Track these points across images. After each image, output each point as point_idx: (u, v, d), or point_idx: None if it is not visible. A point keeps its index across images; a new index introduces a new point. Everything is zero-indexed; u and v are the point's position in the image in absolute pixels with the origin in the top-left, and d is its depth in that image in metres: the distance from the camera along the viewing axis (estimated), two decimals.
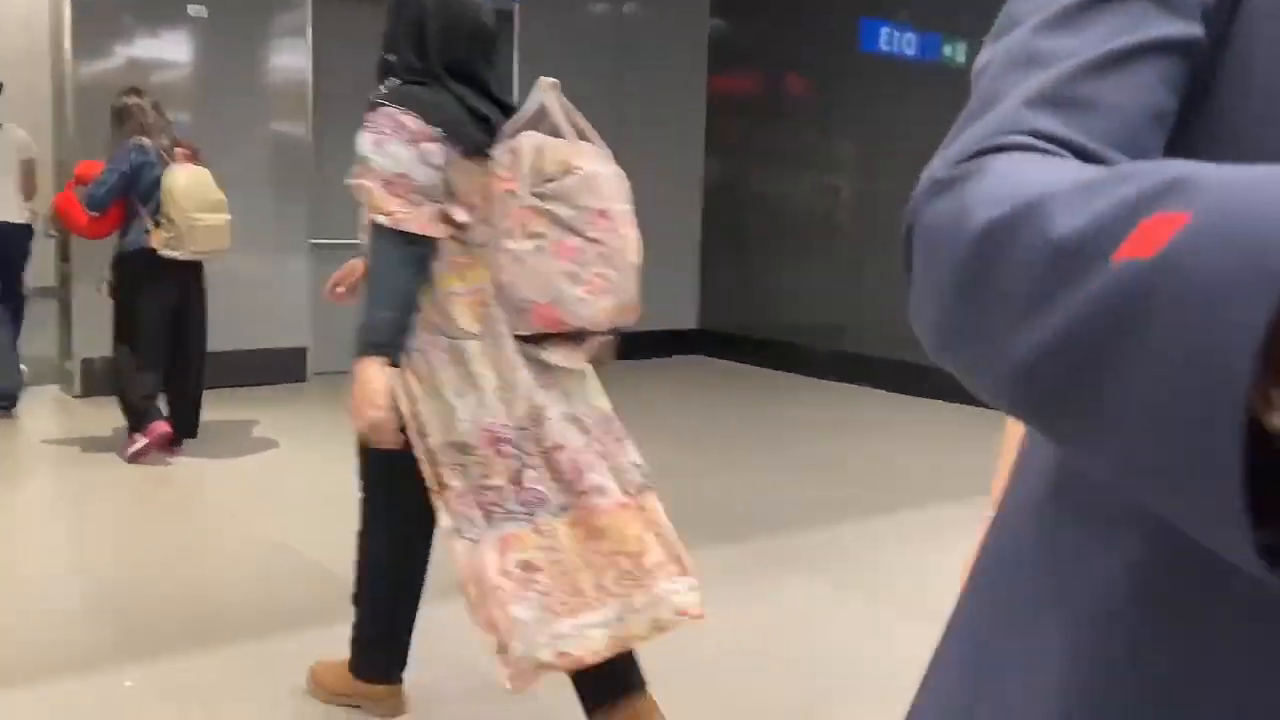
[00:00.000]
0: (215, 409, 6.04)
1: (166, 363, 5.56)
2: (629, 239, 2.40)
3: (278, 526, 4.61)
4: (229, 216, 5.39)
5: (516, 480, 2.43)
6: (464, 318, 2.48)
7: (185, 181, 5.20)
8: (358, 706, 2.94)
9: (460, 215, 2.45)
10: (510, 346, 2.45)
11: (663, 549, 2.50)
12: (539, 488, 2.44)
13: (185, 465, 5.55)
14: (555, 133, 2.43)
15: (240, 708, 3.06)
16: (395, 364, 2.43)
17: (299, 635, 3.43)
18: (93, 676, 3.22)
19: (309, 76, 7.37)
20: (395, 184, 2.39)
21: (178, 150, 5.38)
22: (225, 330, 6.25)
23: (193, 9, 7.00)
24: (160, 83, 6.75)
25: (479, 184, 2.45)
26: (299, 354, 7.56)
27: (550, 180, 2.34)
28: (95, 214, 5.29)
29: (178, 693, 3.13)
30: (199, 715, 3.03)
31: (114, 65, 6.76)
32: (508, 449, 2.43)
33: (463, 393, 2.45)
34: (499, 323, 2.45)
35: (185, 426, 5.68)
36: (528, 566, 2.40)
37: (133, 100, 5.44)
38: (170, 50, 6.96)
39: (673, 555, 2.51)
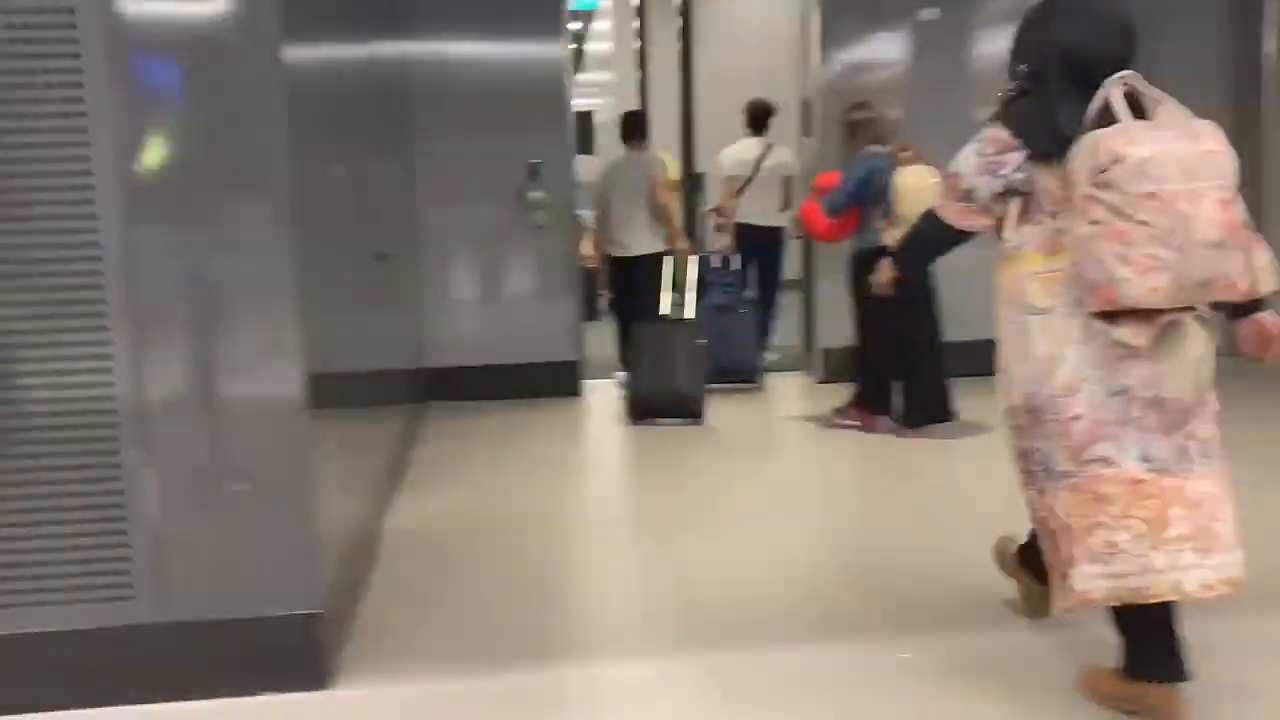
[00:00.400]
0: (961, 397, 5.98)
1: (905, 350, 5.83)
2: (1192, 217, 2.46)
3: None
4: None
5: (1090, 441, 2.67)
6: (1036, 294, 2.72)
7: (913, 181, 5.50)
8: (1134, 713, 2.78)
9: (1011, 215, 2.82)
10: (1079, 322, 2.66)
11: (1190, 524, 2.62)
12: (1050, 452, 2.74)
13: (926, 446, 5.74)
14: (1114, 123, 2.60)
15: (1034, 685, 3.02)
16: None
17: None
18: (861, 646, 3.34)
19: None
20: (949, 180, 2.95)
21: (904, 153, 5.68)
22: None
23: (925, 13, 7.23)
24: (882, 83, 7.13)
25: (1061, 181, 2.69)
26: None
27: (1104, 171, 2.51)
28: (833, 219, 5.80)
29: (961, 669, 3.14)
30: (993, 691, 3.00)
31: (853, 76, 7.23)
32: (1038, 415, 2.73)
33: (1023, 361, 2.76)
34: (1070, 299, 2.68)
35: (932, 411, 5.84)
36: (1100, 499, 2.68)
37: (863, 114, 5.96)
38: (895, 52, 7.27)
39: (1199, 529, 2.62)
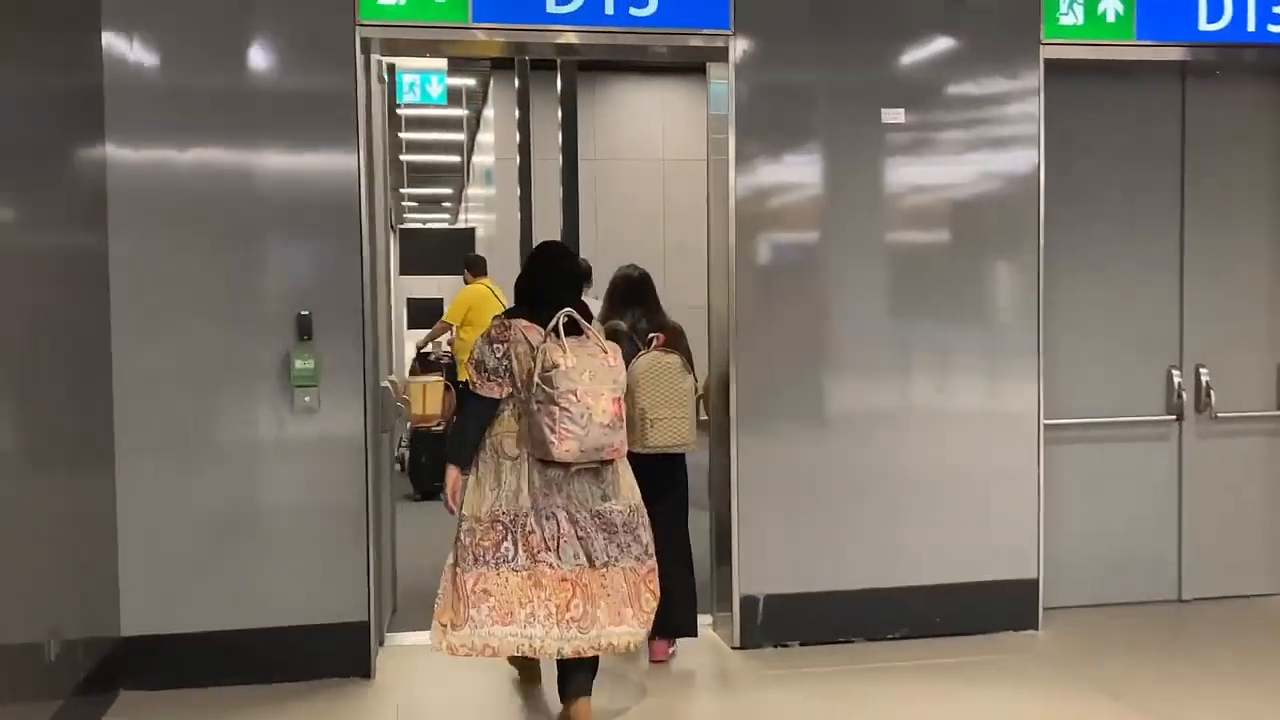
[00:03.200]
0: None
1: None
2: (593, 407, 3.68)
3: None
4: None
5: (496, 545, 3.79)
6: (509, 446, 3.85)
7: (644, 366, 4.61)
8: None
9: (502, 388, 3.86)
10: (527, 466, 3.82)
11: (606, 609, 3.80)
12: (509, 551, 3.79)
13: None
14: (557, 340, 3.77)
15: None
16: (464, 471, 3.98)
17: None
18: None
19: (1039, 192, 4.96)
20: (475, 368, 3.92)
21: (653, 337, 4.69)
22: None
23: (888, 114, 4.84)
24: (793, 207, 4.74)
25: (528, 368, 3.81)
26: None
27: (546, 370, 3.71)
28: None
29: None
30: None
31: (764, 200, 4.79)
32: (499, 526, 3.80)
33: (493, 488, 3.84)
34: (526, 450, 3.82)
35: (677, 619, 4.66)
36: (485, 592, 3.76)
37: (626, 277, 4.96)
38: (808, 176, 4.85)
39: (614, 613, 3.82)
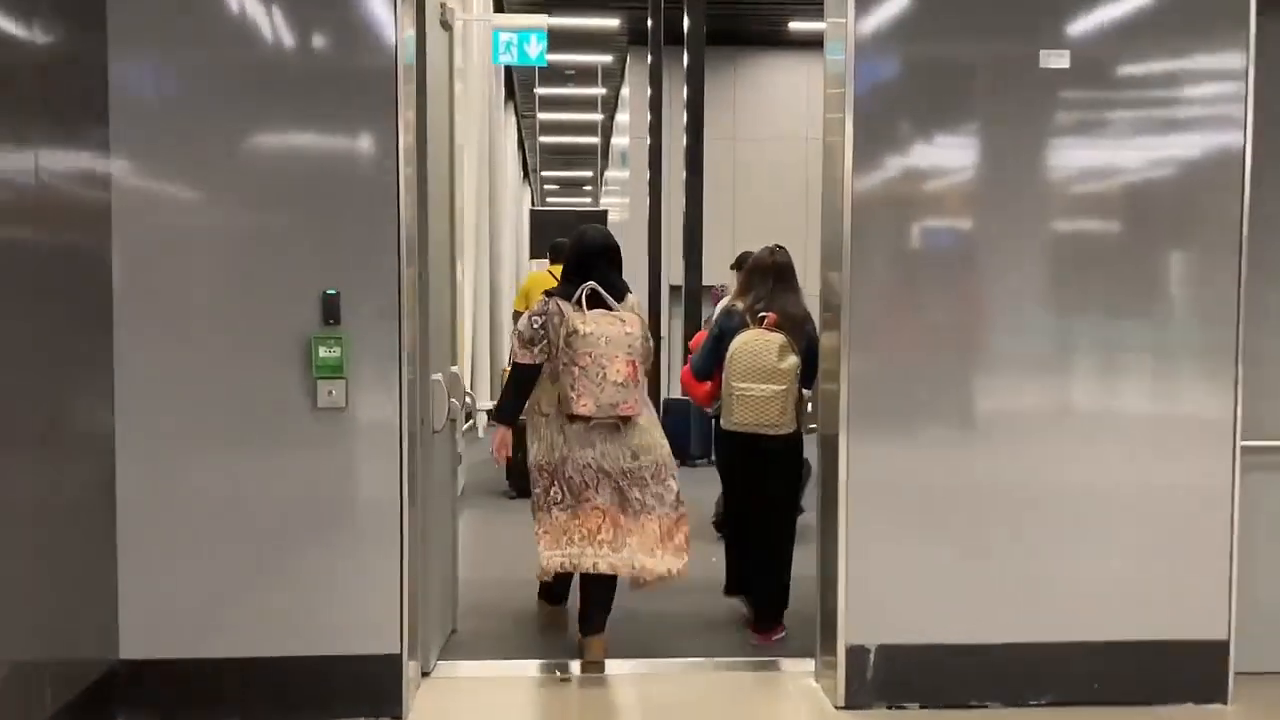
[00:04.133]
0: None
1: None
2: (607, 368, 4.21)
3: None
4: None
5: (546, 490, 4.33)
6: (545, 405, 4.36)
7: (744, 343, 4.74)
8: None
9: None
10: (560, 421, 4.31)
11: (638, 542, 4.32)
12: (557, 495, 4.32)
13: None
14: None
15: None
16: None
17: None
18: None
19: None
20: (515, 334, 4.52)
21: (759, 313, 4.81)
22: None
23: (1050, 57, 3.86)
24: (935, 195, 3.88)
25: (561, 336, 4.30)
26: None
27: (569, 335, 4.22)
28: (704, 382, 5.04)
29: None
30: None
31: (896, 187, 3.89)
32: (545, 474, 4.34)
33: (534, 442, 4.39)
34: (557, 407, 4.33)
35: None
36: (548, 532, 4.33)
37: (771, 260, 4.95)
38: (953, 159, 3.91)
39: (647, 549, 4.33)
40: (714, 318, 5.28)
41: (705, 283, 12.18)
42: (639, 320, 4.36)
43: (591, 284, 4.32)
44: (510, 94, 20.62)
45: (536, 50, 7.83)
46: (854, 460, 3.89)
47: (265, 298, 3.66)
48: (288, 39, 3.66)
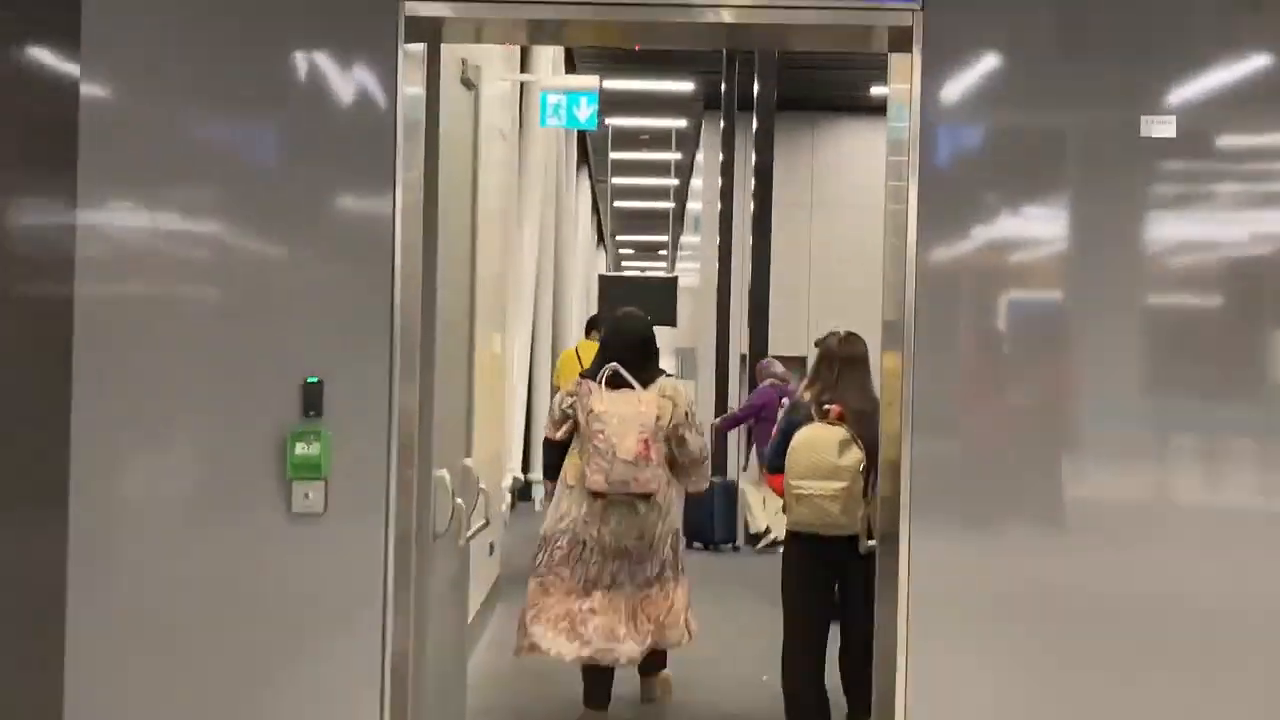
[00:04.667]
0: None
1: None
2: (618, 445, 4.51)
3: None
4: None
5: (550, 557, 4.73)
6: (570, 477, 4.73)
7: (806, 439, 4.53)
8: None
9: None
10: (580, 495, 4.68)
11: (625, 623, 4.67)
12: (560, 569, 4.71)
13: None
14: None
15: None
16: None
17: None
18: None
19: None
20: (549, 416, 5.11)
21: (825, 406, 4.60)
22: None
23: (1153, 124, 3.30)
24: (1020, 266, 3.37)
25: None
26: None
27: (588, 413, 4.56)
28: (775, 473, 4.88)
29: None
30: None
31: (972, 258, 3.34)
32: (558, 544, 4.73)
33: (554, 512, 4.82)
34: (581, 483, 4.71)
35: None
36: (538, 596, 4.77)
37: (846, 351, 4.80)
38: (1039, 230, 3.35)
39: (631, 631, 4.68)
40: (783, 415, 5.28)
41: (774, 353, 11.67)
42: (656, 401, 4.64)
43: (613, 365, 4.66)
44: (584, 157, 20.45)
45: (587, 113, 7.45)
46: (917, 558, 3.30)
47: (236, 384, 3.22)
48: (271, 92, 3.25)
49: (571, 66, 13.91)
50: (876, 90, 16.73)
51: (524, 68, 8.29)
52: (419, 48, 3.39)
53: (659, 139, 19.86)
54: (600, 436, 4.50)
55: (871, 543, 3.79)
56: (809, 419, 4.56)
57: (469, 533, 4.00)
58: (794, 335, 15.79)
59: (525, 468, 11.49)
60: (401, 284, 3.26)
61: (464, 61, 3.98)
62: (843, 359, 4.66)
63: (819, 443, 4.45)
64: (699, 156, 19.92)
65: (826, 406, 4.51)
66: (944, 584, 3.29)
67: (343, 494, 3.22)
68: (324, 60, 3.26)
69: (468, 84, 4.05)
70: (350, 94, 3.27)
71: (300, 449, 3.18)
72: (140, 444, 3.21)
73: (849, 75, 16.63)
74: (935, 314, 3.35)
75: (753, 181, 10.89)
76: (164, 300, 3.23)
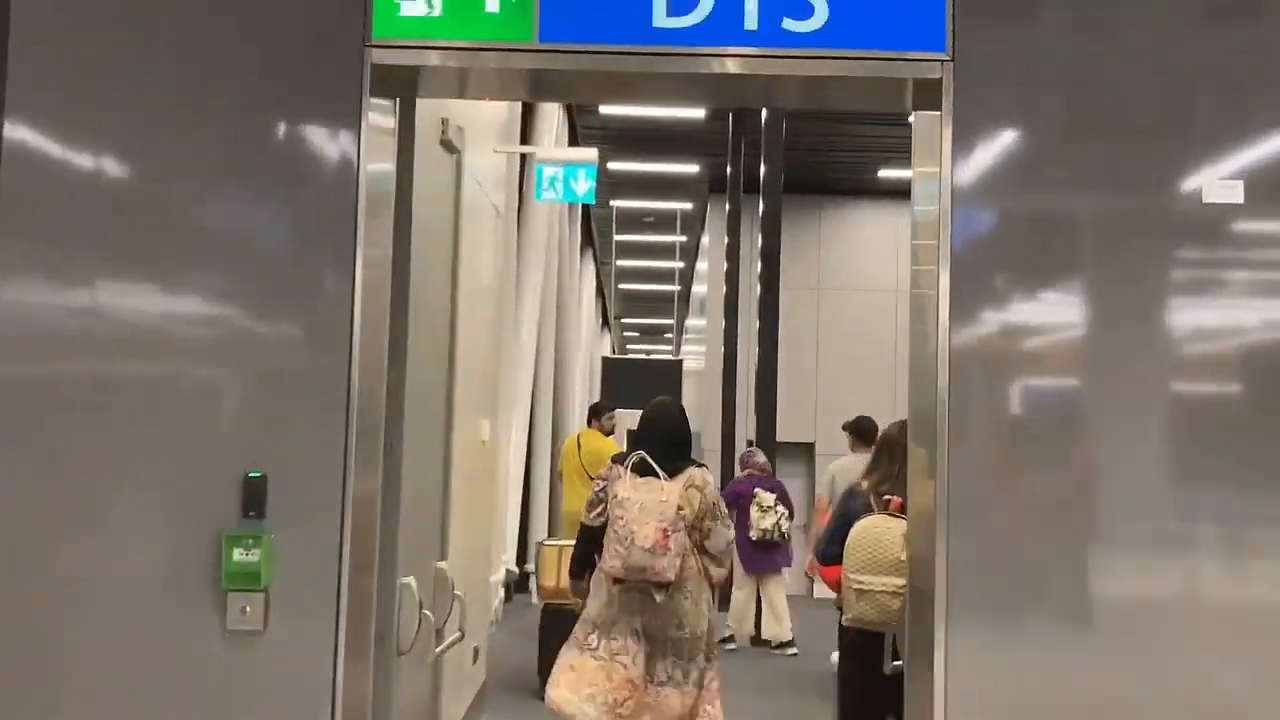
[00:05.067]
0: None
1: None
2: (636, 533, 4.46)
3: None
4: None
5: (586, 636, 4.61)
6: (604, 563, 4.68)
7: (865, 533, 4.23)
8: None
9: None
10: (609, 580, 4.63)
11: (654, 717, 4.54)
12: (594, 642, 4.58)
13: None
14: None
15: None
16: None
17: None
18: None
19: None
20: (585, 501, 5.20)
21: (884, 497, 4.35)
22: None
23: (1217, 191, 2.91)
24: (1040, 352, 2.93)
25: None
26: None
27: (612, 500, 4.60)
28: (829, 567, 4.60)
29: None
30: None
31: (997, 343, 2.94)
32: (593, 625, 4.62)
33: (592, 594, 4.72)
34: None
35: None
36: (570, 667, 4.58)
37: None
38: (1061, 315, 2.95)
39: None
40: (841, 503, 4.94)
41: (782, 439, 11.23)
42: (680, 492, 4.58)
43: (640, 453, 4.64)
44: (589, 239, 20.24)
45: (585, 187, 7.10)
46: (954, 660, 2.84)
47: (167, 478, 2.79)
48: (216, 152, 2.88)
49: (575, 142, 13.72)
50: (884, 174, 16.52)
51: (525, 144, 8.01)
52: (388, 103, 3.03)
53: (664, 221, 19.64)
54: (620, 522, 4.51)
55: (898, 663, 3.35)
56: (868, 509, 4.33)
57: (440, 647, 3.54)
58: (801, 421, 15.35)
59: (521, 559, 10.98)
60: (361, 367, 2.86)
61: (444, 122, 3.64)
62: (904, 448, 4.29)
63: (880, 535, 4.20)
64: (704, 239, 19.68)
65: (886, 497, 4.30)
66: (981, 696, 2.84)
67: (286, 607, 2.78)
68: (276, 115, 2.89)
69: (449, 147, 3.71)
70: (307, 156, 2.90)
71: (238, 555, 2.74)
72: (60, 540, 2.77)
73: (857, 159, 16.43)
74: (969, 404, 2.93)
75: (759, 264, 10.54)
76: (88, 380, 2.81)
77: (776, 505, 9.65)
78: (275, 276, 2.86)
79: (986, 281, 2.95)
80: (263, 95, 2.88)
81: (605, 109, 13.15)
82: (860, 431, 7.78)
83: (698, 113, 13.19)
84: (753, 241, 13.86)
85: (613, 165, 15.74)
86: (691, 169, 16.11)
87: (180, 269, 2.84)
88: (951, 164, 2.93)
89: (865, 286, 17.79)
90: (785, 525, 9.70)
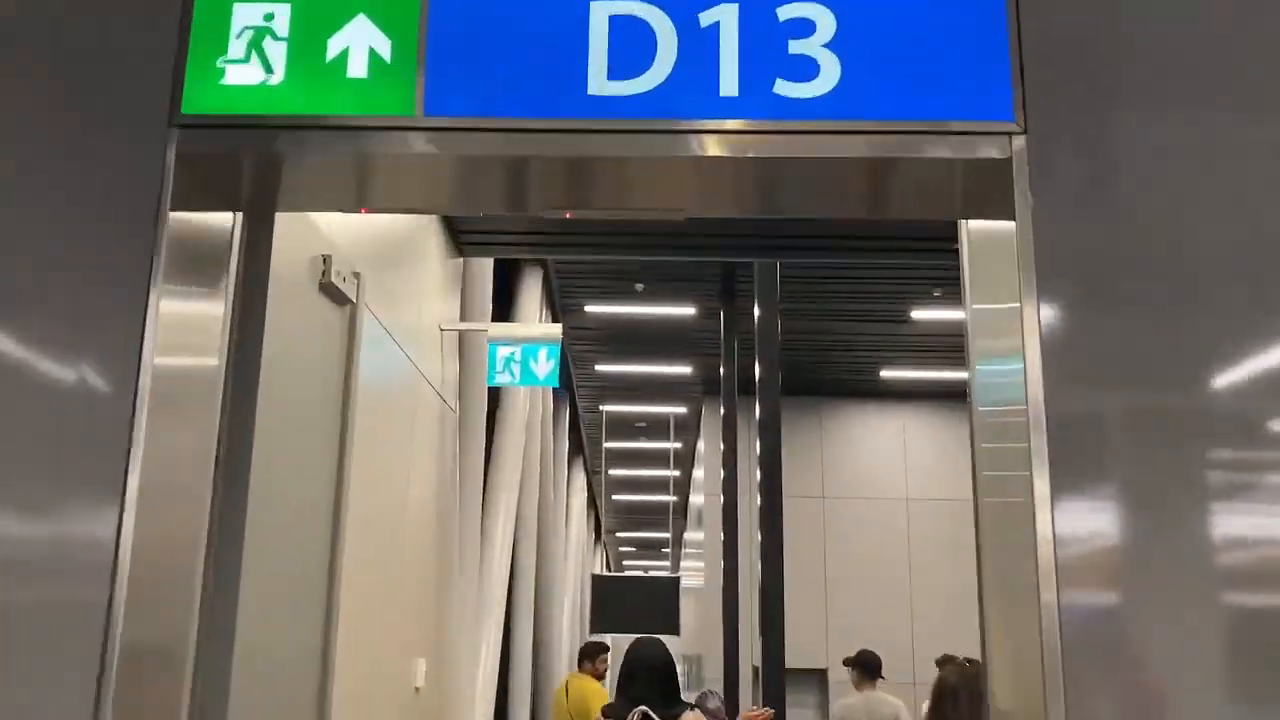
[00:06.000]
0: None
1: None
2: None
3: None
4: None
5: None
6: None
7: None
8: None
9: None
10: None
11: None
12: None
13: None
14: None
15: None
16: None
17: None
18: None
19: None
20: None
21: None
22: None
23: None
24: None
25: None
26: None
27: None
28: None
29: None
30: None
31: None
32: None
33: None
34: None
35: None
36: None
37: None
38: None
39: None
40: None
41: (791, 665, 9.92)
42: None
43: (642, 709, 4.56)
44: (578, 448, 19.28)
45: (546, 369, 6.08)
46: None
47: None
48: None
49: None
50: (886, 374, 15.72)
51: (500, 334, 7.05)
52: (210, 218, 2.10)
53: (657, 426, 18.72)
54: None
55: None
56: None
57: None
58: (812, 644, 13.99)
59: None
60: (120, 591, 1.81)
61: (326, 259, 2.70)
62: (970, 694, 3.98)
63: None
64: (700, 444, 18.71)
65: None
66: None
67: None
68: (60, 236, 1.96)
69: (331, 293, 2.75)
70: (80, 310, 1.94)
71: None
72: None
73: (855, 360, 15.65)
74: (1081, 628, 1.88)
75: (759, 472, 9.52)
76: None
77: None
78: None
79: (1096, 460, 1.95)
80: (52, 204, 1.95)
81: (592, 307, 12.43)
82: (865, 667, 7.29)
83: (687, 309, 12.46)
84: (751, 447, 12.85)
85: (600, 367, 14.94)
86: (684, 370, 15.30)
87: None
88: (1036, 281, 1.96)
89: (873, 495, 16.70)
90: None
